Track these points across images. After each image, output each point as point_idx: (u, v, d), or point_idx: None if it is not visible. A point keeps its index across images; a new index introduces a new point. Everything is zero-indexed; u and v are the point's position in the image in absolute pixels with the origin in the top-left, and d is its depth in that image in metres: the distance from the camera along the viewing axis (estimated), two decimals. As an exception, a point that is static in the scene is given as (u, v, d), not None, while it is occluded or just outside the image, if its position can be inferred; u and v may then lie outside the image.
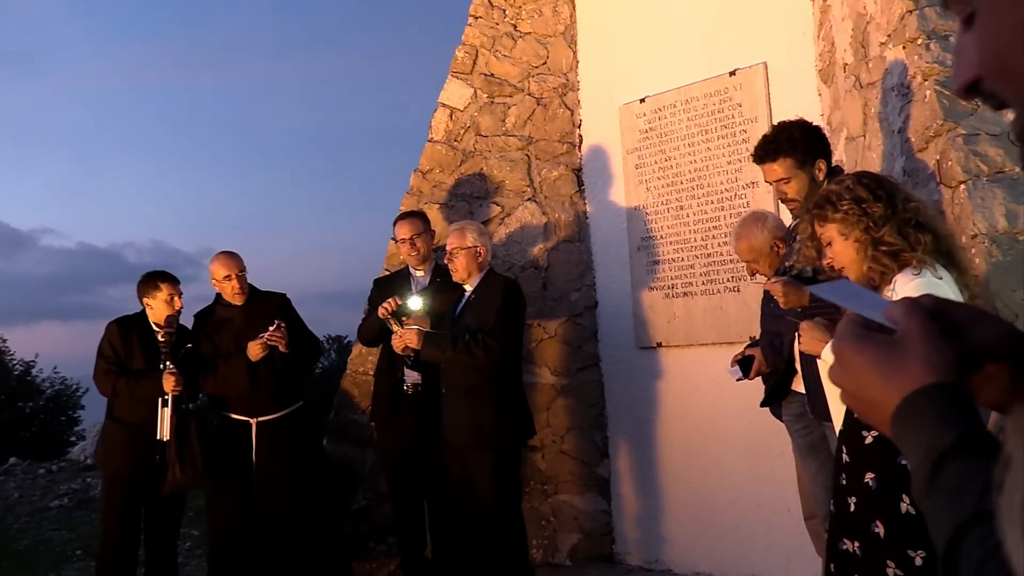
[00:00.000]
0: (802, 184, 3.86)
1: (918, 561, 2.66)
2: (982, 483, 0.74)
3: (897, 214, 2.83)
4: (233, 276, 5.26)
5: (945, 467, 0.77)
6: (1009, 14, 0.74)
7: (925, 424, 0.81)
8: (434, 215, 6.02)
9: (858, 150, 4.37)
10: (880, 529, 2.74)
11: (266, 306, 5.34)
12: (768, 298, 4.17)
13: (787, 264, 3.92)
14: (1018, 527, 0.52)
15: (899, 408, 0.83)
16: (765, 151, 3.95)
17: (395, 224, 5.45)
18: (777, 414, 4.27)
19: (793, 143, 3.87)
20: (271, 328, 5.09)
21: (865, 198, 2.86)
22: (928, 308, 0.90)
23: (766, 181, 4.15)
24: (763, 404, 4.30)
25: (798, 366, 3.86)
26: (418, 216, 5.48)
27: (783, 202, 4.05)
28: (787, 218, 4.41)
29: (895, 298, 2.79)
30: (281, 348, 5.12)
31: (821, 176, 3.83)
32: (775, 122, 4.64)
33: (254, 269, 5.40)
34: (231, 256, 5.34)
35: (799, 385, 3.93)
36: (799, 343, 3.45)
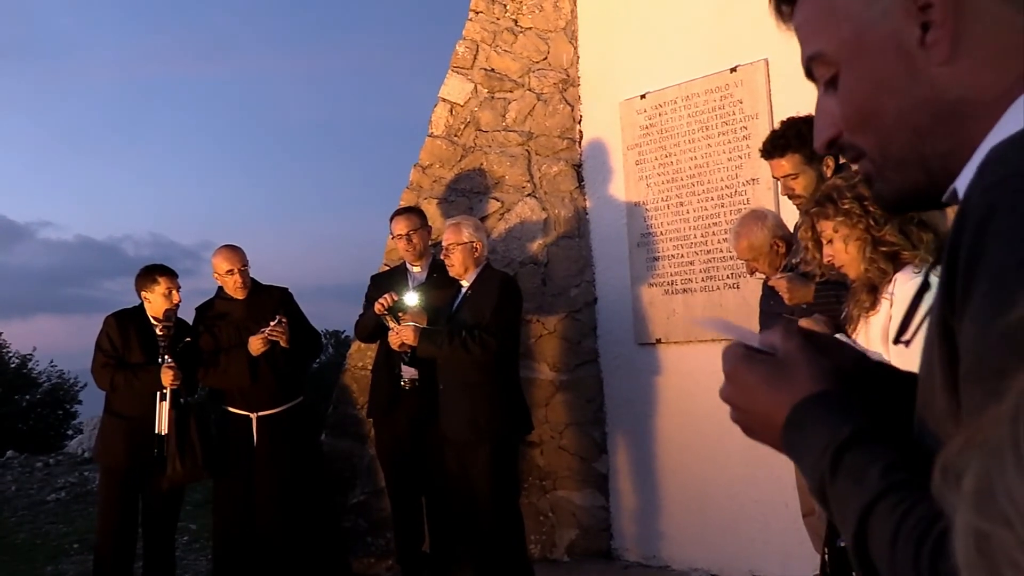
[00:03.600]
0: (810, 180, 3.85)
1: None
2: (885, 464, 0.79)
3: None
4: (236, 270, 5.25)
5: (844, 456, 0.82)
6: (871, 73, 0.87)
7: (818, 426, 0.87)
8: (434, 210, 6.02)
9: (859, 147, 4.36)
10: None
11: (267, 300, 5.34)
12: (768, 295, 4.16)
13: (793, 262, 3.92)
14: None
15: (790, 416, 0.90)
16: (774, 146, 3.94)
17: (391, 220, 5.45)
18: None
19: (802, 139, 3.86)
20: (272, 323, 5.09)
21: (867, 196, 2.85)
22: (800, 332, 1.00)
23: (774, 177, 4.15)
24: None
25: None
26: (414, 212, 5.48)
27: (790, 198, 4.04)
28: (787, 216, 4.41)
29: (895, 298, 2.80)
30: (282, 343, 5.12)
31: (829, 173, 3.81)
32: (776, 119, 4.64)
33: (253, 262, 5.40)
34: (234, 250, 5.34)
35: None
36: None
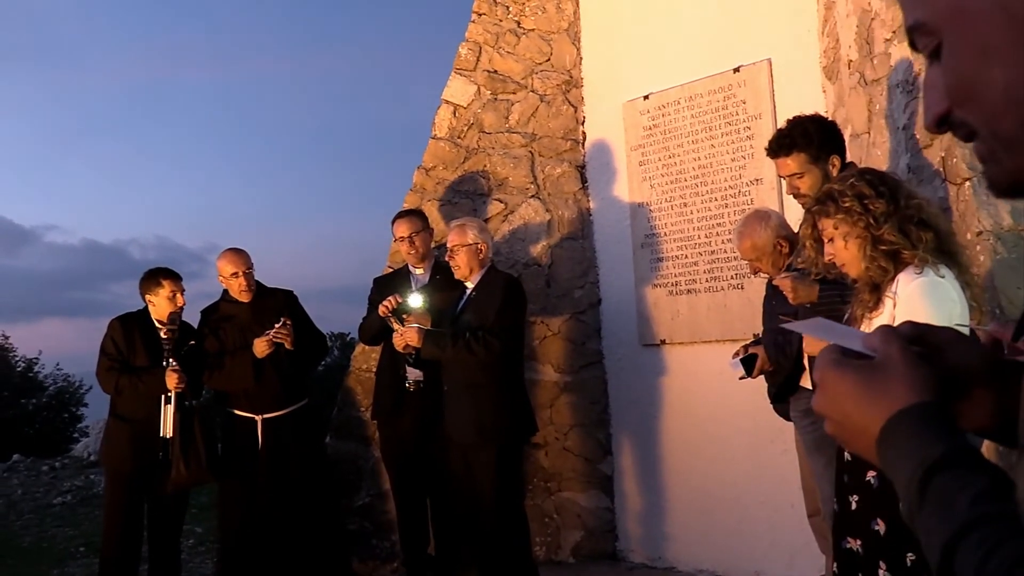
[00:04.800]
0: (815, 179, 3.84)
1: (908, 563, 2.65)
2: (974, 492, 0.74)
3: (899, 211, 2.81)
4: (240, 273, 5.26)
5: (934, 480, 0.78)
6: (975, 41, 0.78)
7: (911, 442, 0.81)
8: (437, 212, 6.02)
9: (863, 147, 4.36)
10: (881, 527, 2.73)
11: (272, 303, 5.34)
12: (771, 295, 4.15)
13: (798, 261, 3.91)
14: None
15: (884, 429, 0.84)
16: (779, 145, 3.93)
17: (393, 223, 5.45)
18: (784, 413, 4.26)
19: (807, 138, 3.85)
20: (277, 325, 5.10)
21: (867, 195, 2.84)
22: (906, 334, 0.92)
23: (779, 175, 4.14)
24: (774, 401, 4.27)
25: (806, 363, 3.84)
26: (416, 214, 5.48)
27: (795, 197, 4.03)
28: (791, 216, 4.40)
29: (898, 298, 2.80)
30: (287, 345, 5.13)
31: (835, 172, 3.80)
32: (779, 119, 4.63)
33: (258, 265, 5.40)
34: (238, 253, 5.34)
35: (807, 381, 3.91)
36: (804, 340, 3.43)
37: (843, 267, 2.94)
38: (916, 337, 0.93)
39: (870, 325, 2.88)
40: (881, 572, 2.69)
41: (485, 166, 6.19)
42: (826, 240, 2.97)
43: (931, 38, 0.82)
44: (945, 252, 2.83)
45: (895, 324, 1.01)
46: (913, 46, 0.86)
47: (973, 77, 0.78)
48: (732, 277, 5.37)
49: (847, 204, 2.86)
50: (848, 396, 0.88)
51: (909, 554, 2.64)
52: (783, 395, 4.16)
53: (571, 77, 6.26)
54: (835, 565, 2.96)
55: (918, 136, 3.68)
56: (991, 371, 0.89)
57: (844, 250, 2.90)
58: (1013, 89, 0.76)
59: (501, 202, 6.13)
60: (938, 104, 0.83)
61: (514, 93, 6.27)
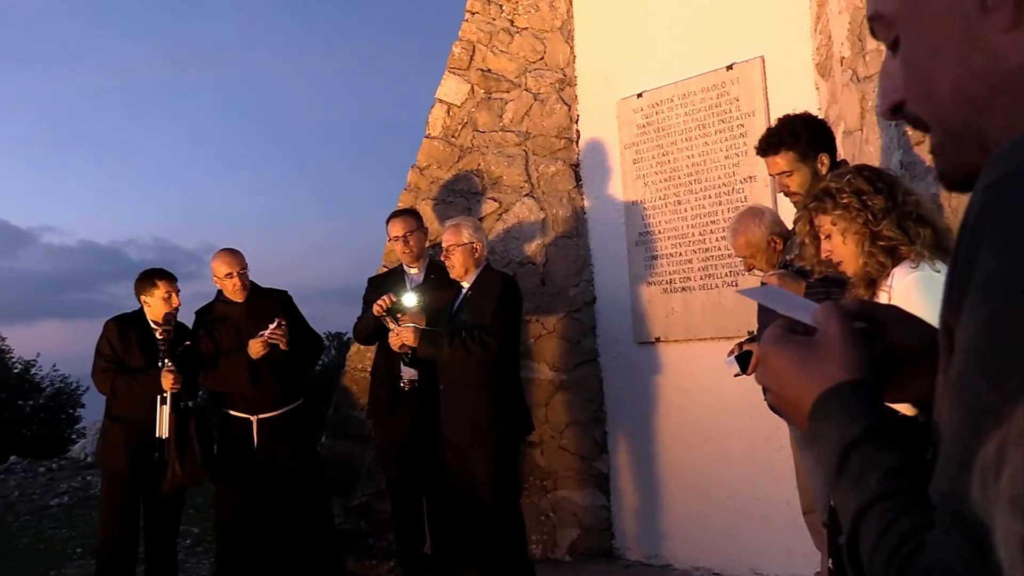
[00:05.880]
0: (804, 177, 3.86)
1: None
2: (885, 468, 0.79)
3: (897, 207, 2.81)
4: (234, 273, 5.25)
5: (851, 456, 0.82)
6: (927, 38, 0.80)
7: (835, 418, 0.86)
8: (432, 211, 6.02)
9: (856, 144, 4.36)
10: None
11: (267, 303, 5.34)
12: (765, 293, 4.15)
13: (788, 258, 3.91)
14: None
15: (815, 405, 0.89)
16: (768, 144, 3.95)
17: (388, 222, 5.45)
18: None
19: (796, 136, 3.87)
20: (272, 326, 5.09)
21: (866, 190, 2.84)
22: (851, 310, 0.97)
23: (769, 174, 4.14)
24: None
25: None
26: (410, 214, 5.48)
27: (786, 195, 4.04)
28: (785, 213, 4.40)
29: (894, 292, 2.80)
30: (282, 346, 5.12)
31: (824, 170, 3.81)
32: (772, 116, 4.63)
33: (255, 265, 5.41)
34: (232, 253, 5.34)
35: None
36: None
37: (840, 264, 2.94)
38: (861, 313, 0.98)
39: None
40: None
41: (479, 165, 6.19)
42: (823, 236, 2.97)
43: (889, 30, 0.85)
44: (942, 248, 2.82)
45: None
46: (874, 34, 0.89)
47: (926, 73, 0.81)
48: (726, 274, 5.38)
49: (845, 200, 2.85)
50: (786, 371, 0.93)
51: None
52: None
53: (564, 75, 6.26)
54: (830, 561, 2.96)
55: (910, 133, 3.69)
56: (932, 348, 0.91)
57: (842, 246, 2.89)
58: (960, 87, 0.78)
59: (495, 201, 6.13)
60: (893, 93, 0.86)
61: (508, 92, 6.27)
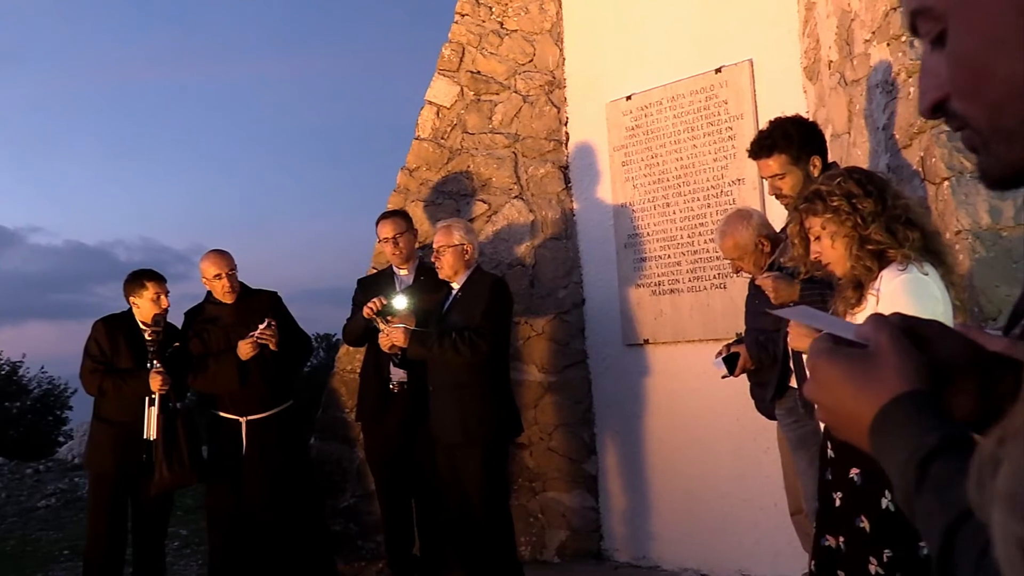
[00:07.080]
0: (796, 180, 3.87)
1: (884, 559, 2.68)
2: None
3: (887, 210, 2.83)
4: (223, 274, 5.24)
5: (932, 467, 0.78)
6: (984, 30, 0.75)
7: (905, 429, 0.81)
8: (421, 213, 6.02)
9: (843, 147, 4.39)
10: (865, 524, 2.75)
11: (257, 304, 5.33)
12: (753, 295, 4.18)
13: (779, 260, 3.93)
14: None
15: (878, 417, 0.84)
16: (760, 146, 3.96)
17: (377, 224, 5.45)
18: (767, 412, 4.27)
19: (788, 139, 3.88)
20: (261, 326, 5.08)
21: (856, 193, 2.86)
22: (896, 324, 0.91)
23: (761, 176, 4.16)
24: (771, 399, 4.23)
25: (792, 364, 3.86)
26: (400, 215, 5.48)
27: (777, 198, 4.05)
28: (773, 215, 4.43)
29: (881, 294, 2.82)
30: (271, 347, 5.12)
31: (816, 172, 3.83)
32: (761, 119, 4.65)
33: (244, 266, 5.40)
34: (221, 254, 5.33)
35: (794, 382, 3.93)
36: (790, 337, 3.45)
37: (828, 265, 2.96)
38: (905, 328, 0.93)
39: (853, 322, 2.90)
40: (872, 567, 2.71)
41: (469, 167, 6.20)
42: (813, 238, 2.99)
43: (935, 24, 0.80)
44: (931, 252, 2.85)
45: None
46: (914, 30, 0.84)
47: (979, 67, 0.77)
48: (715, 276, 5.40)
49: (835, 203, 2.87)
50: (840, 383, 0.88)
51: (887, 551, 2.67)
52: (777, 396, 4.15)
53: (554, 78, 6.27)
54: (812, 563, 2.98)
55: (897, 136, 3.71)
56: (975, 364, 0.89)
57: (831, 249, 2.92)
58: (1018, 81, 0.74)
59: (485, 203, 6.14)
60: (936, 90, 0.82)
61: (497, 94, 6.28)
